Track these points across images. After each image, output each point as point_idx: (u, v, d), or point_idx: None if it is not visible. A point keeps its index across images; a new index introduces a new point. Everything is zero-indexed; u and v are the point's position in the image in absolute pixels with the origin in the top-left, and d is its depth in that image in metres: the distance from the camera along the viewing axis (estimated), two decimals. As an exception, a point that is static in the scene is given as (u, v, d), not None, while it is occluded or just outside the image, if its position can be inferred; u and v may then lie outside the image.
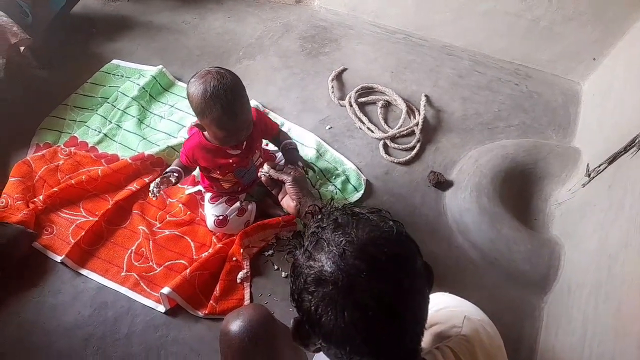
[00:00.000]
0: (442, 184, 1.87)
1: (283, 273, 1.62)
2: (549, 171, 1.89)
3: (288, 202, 1.25)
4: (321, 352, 0.70)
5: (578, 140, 2.02)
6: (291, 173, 1.31)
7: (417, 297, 0.64)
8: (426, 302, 0.67)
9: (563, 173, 1.87)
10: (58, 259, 1.58)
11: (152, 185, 1.43)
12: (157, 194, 1.42)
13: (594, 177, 1.65)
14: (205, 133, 1.43)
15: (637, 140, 1.46)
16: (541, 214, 1.84)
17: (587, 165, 1.71)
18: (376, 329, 0.59)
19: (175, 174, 1.49)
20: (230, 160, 1.50)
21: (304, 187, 1.29)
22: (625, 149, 1.51)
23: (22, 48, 1.92)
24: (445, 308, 0.87)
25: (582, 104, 2.18)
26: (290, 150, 1.61)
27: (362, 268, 0.59)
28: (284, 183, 1.32)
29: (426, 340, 0.79)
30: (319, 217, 0.69)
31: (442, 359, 0.73)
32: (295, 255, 0.67)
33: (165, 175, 1.48)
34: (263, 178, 1.33)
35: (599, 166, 1.62)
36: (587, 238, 1.54)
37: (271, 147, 1.80)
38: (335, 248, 0.62)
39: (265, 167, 1.36)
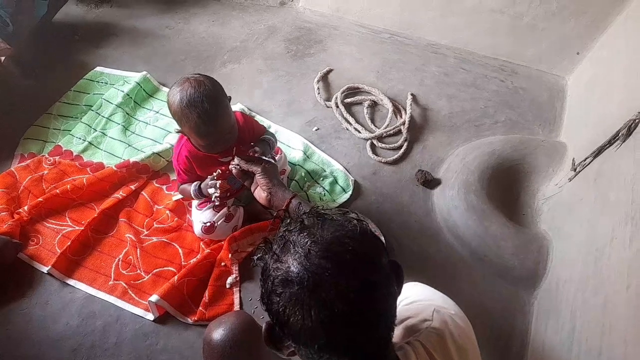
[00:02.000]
0: (430, 182, 1.88)
1: (272, 277, 1.61)
2: (536, 166, 1.89)
3: (259, 193, 1.26)
4: None
5: (564, 135, 2.03)
6: (261, 164, 1.32)
7: (383, 294, 0.64)
8: (394, 298, 0.68)
9: (550, 168, 1.87)
10: (44, 269, 1.56)
11: (212, 192, 1.40)
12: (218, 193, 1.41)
13: (580, 171, 1.66)
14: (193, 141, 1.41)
15: (620, 133, 1.47)
16: (529, 209, 1.84)
17: (573, 159, 1.72)
18: (343, 327, 0.60)
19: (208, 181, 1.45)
20: (223, 168, 1.49)
21: (274, 177, 1.29)
22: (610, 142, 1.52)
23: (3, 58, 1.90)
24: (416, 301, 0.88)
25: (567, 99, 2.19)
26: (260, 141, 1.54)
27: (327, 267, 0.60)
28: (255, 174, 1.33)
29: (398, 334, 0.81)
30: (288, 221, 0.69)
31: (413, 353, 0.73)
32: (264, 259, 0.67)
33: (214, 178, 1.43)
34: (234, 171, 1.33)
35: (585, 160, 1.63)
36: (575, 232, 1.54)
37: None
38: (300, 249, 0.63)
39: (236, 159, 1.36)
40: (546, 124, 2.10)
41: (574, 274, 1.44)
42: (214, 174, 1.41)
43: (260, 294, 0.68)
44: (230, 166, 1.32)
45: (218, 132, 1.31)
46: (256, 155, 1.39)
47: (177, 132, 1.36)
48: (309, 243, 0.63)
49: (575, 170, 1.69)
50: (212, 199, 1.43)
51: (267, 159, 1.41)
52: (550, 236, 1.70)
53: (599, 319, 1.21)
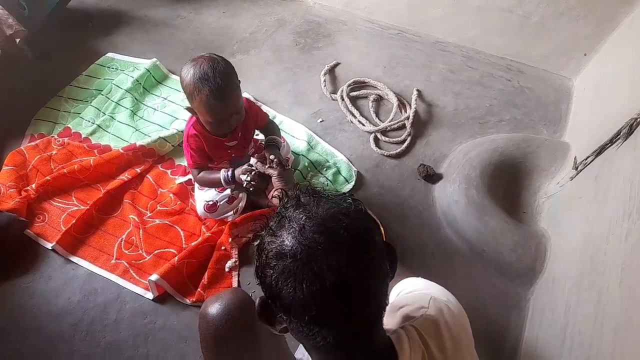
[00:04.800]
0: (432, 176, 1.89)
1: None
2: (539, 165, 1.89)
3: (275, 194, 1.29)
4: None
5: (569, 135, 2.03)
6: (277, 167, 1.36)
7: (375, 270, 0.65)
8: (385, 276, 0.68)
9: (552, 167, 1.87)
10: (49, 246, 1.60)
11: (244, 178, 1.45)
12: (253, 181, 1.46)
13: (581, 170, 1.66)
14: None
15: (622, 132, 1.47)
16: (530, 207, 1.85)
17: (575, 158, 1.72)
18: (333, 299, 0.61)
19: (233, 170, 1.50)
20: (229, 151, 1.54)
21: (290, 181, 1.32)
22: (612, 141, 1.52)
23: (17, 40, 1.94)
24: (414, 291, 0.89)
25: (573, 100, 2.19)
26: (271, 147, 1.59)
27: (320, 241, 0.61)
28: (271, 177, 1.37)
29: (395, 321, 0.81)
30: (285, 200, 0.71)
31: (406, 338, 0.74)
32: (261, 236, 0.69)
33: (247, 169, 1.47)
34: (251, 175, 1.39)
35: (586, 159, 1.63)
36: (573, 229, 1.55)
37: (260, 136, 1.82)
38: (295, 224, 0.64)
39: (252, 161, 1.41)
40: (551, 124, 2.10)
41: (571, 270, 1.44)
42: (251, 162, 1.46)
43: (254, 268, 0.70)
44: (247, 168, 1.38)
45: (226, 110, 1.35)
46: (274, 162, 1.44)
47: (187, 109, 1.39)
48: (303, 218, 0.64)
49: (577, 169, 1.69)
50: (244, 185, 1.47)
51: (282, 163, 1.47)
52: (550, 234, 1.70)
53: (591, 313, 1.22)
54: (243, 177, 1.45)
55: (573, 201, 1.64)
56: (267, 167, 1.42)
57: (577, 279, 1.38)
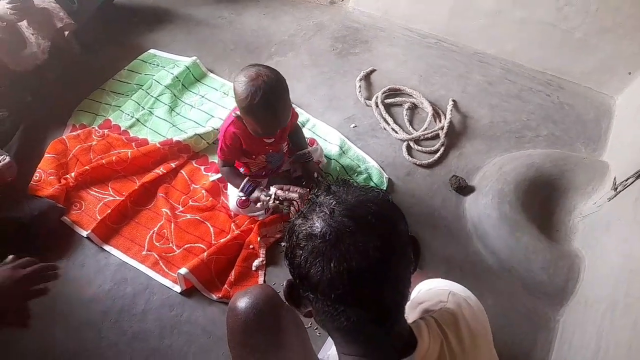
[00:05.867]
0: (464, 188, 1.86)
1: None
2: (575, 183, 1.85)
3: None
4: (329, 339, 0.73)
5: (608, 155, 1.97)
6: (297, 191, 1.43)
7: (399, 257, 0.68)
8: (409, 264, 0.71)
9: (589, 186, 1.82)
10: (84, 233, 1.64)
11: (263, 198, 1.54)
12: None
13: (620, 191, 1.61)
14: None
15: (667, 155, 1.43)
16: (564, 226, 1.80)
17: (614, 178, 1.67)
18: (359, 280, 0.64)
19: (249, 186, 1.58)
20: (266, 147, 1.58)
21: None
22: (655, 163, 1.48)
23: (66, 33, 2.01)
24: (433, 288, 0.93)
25: (614, 118, 2.13)
26: (305, 164, 1.67)
27: (348, 224, 0.65)
28: (293, 201, 1.41)
29: (415, 316, 0.85)
30: (317, 189, 0.75)
31: (425, 327, 0.76)
32: (292, 222, 0.73)
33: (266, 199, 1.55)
34: (271, 203, 1.50)
35: (626, 180, 1.58)
36: (610, 252, 1.50)
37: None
38: (325, 208, 0.68)
39: (272, 189, 1.46)
40: (590, 142, 2.05)
41: (605, 293, 1.40)
42: (271, 191, 1.53)
43: (285, 250, 0.74)
44: (264, 196, 1.52)
45: (278, 125, 1.41)
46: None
47: (236, 116, 1.44)
48: (333, 203, 0.68)
49: (615, 189, 1.64)
50: (257, 205, 1.56)
51: (302, 190, 1.52)
52: (583, 255, 1.65)
53: (626, 340, 1.18)
54: (262, 197, 1.54)
55: (610, 222, 1.59)
56: (288, 193, 1.50)
57: (612, 303, 1.34)
